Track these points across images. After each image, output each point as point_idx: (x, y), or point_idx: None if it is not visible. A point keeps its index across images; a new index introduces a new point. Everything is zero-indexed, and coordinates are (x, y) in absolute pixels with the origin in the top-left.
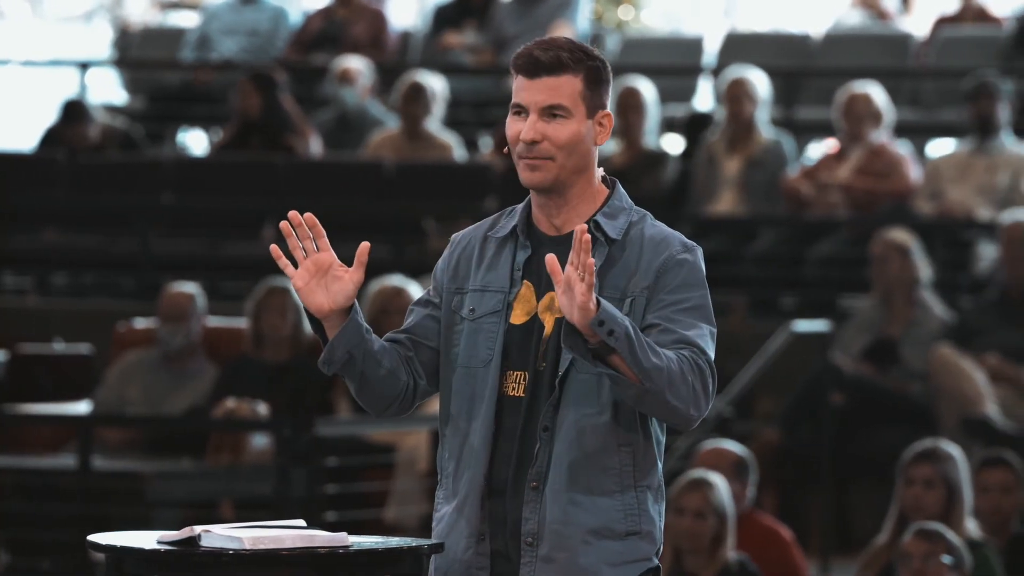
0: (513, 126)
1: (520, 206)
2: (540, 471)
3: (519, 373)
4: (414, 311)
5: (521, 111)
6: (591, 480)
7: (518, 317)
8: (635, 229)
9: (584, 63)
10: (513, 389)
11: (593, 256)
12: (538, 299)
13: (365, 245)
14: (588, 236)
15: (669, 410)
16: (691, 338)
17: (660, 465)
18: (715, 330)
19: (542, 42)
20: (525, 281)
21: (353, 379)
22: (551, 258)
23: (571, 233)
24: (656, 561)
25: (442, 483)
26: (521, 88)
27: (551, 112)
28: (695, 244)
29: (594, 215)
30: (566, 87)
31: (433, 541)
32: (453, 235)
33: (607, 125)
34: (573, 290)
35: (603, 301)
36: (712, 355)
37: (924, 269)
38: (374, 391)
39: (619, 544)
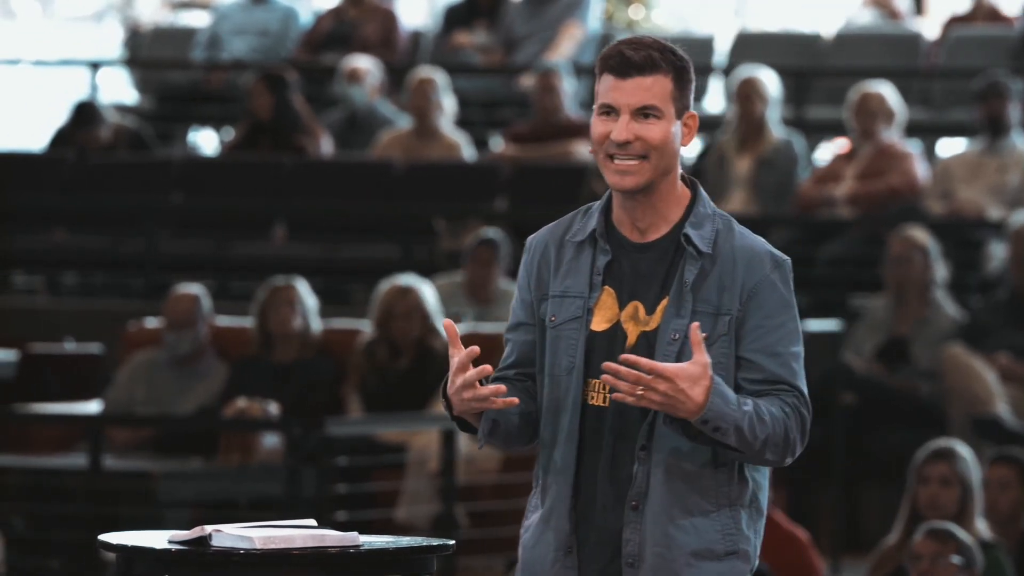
0: (601, 126)
1: (596, 206)
2: (640, 491)
3: (599, 382)
4: (509, 340)
5: (611, 112)
6: (689, 501)
7: (599, 324)
8: (723, 239)
9: (673, 63)
10: (594, 398)
11: (687, 269)
12: (620, 306)
13: (449, 323)
14: (700, 338)
15: (764, 463)
16: (794, 382)
17: (759, 481)
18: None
19: (631, 41)
20: (606, 287)
21: (500, 439)
22: (618, 368)
23: (655, 241)
24: None
25: (534, 491)
26: (611, 88)
27: (644, 113)
28: (785, 257)
29: (683, 226)
30: (658, 87)
31: (442, 542)
32: (528, 239)
33: (692, 126)
34: (675, 397)
35: (713, 394)
36: (806, 387)
37: (940, 270)
38: (520, 436)
39: (719, 565)
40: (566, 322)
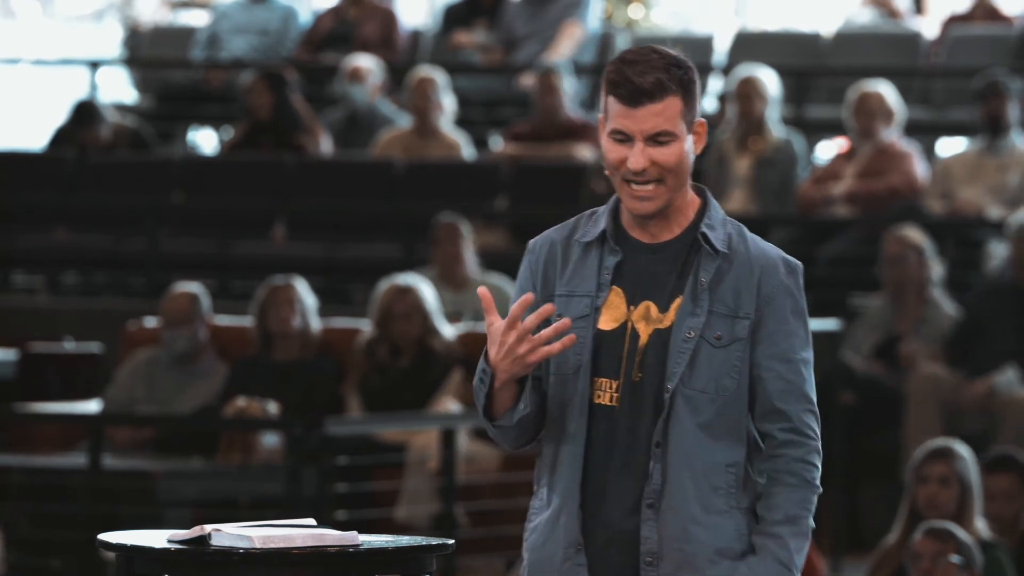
0: (616, 151)
1: (603, 209)
2: (656, 489)
3: (606, 381)
4: None
5: (624, 138)
6: (705, 499)
7: (606, 323)
8: (736, 243)
9: (680, 80)
10: (600, 397)
11: (704, 268)
12: (629, 306)
13: (483, 290)
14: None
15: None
16: (804, 389)
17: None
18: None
19: (636, 62)
20: (614, 287)
21: (520, 425)
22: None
23: (668, 242)
24: None
25: (537, 493)
26: (621, 115)
27: (657, 139)
28: (797, 263)
29: (697, 226)
30: (669, 110)
31: (442, 541)
32: (530, 242)
33: (702, 133)
34: None
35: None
36: (815, 392)
37: (936, 268)
38: (529, 431)
39: (738, 564)
40: (573, 321)
